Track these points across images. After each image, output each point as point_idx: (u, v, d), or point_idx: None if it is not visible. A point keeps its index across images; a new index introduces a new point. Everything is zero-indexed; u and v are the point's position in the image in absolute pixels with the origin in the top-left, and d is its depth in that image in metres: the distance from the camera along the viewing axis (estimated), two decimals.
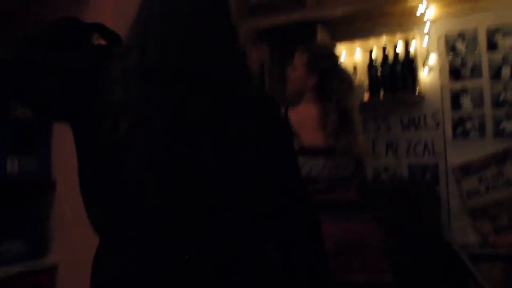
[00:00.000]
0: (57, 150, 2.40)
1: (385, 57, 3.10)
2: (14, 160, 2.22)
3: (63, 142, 2.38)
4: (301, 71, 2.17)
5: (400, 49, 3.09)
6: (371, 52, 3.17)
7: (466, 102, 3.01)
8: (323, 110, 2.05)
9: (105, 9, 2.28)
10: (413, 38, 3.03)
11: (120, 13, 2.28)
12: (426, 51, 3.07)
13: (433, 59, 3.08)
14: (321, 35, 3.16)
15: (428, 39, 3.05)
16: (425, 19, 3.01)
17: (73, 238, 2.21)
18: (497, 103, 2.94)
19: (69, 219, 2.24)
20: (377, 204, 2.75)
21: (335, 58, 2.22)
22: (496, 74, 2.94)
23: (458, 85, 3.04)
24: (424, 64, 3.08)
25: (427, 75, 3.09)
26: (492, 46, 2.96)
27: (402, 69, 3.02)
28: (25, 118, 2.28)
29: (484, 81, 2.97)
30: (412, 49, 3.03)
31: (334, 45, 2.31)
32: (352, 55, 3.31)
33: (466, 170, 2.99)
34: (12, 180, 2.21)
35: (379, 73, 3.10)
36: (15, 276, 2.15)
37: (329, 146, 2.00)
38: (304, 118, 2.05)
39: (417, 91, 2.98)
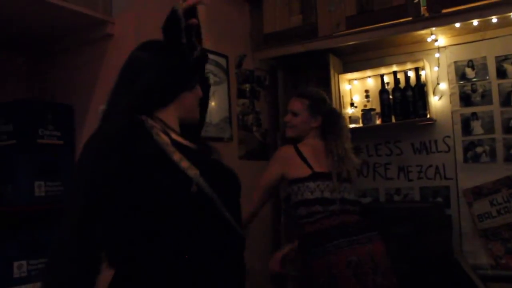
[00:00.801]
0: None
1: (396, 82, 3.20)
2: (40, 184, 2.38)
3: None
4: (305, 116, 2.38)
5: (411, 75, 3.17)
6: (382, 77, 3.26)
7: (477, 127, 3.08)
8: (329, 144, 2.31)
9: (127, 43, 2.44)
10: (424, 66, 3.11)
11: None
12: (436, 77, 3.16)
13: (443, 85, 3.17)
14: (333, 64, 3.28)
15: (438, 66, 3.14)
16: (435, 46, 3.11)
17: None
18: (507, 129, 3.00)
19: None
20: (389, 225, 2.81)
21: (329, 101, 2.52)
22: (506, 100, 3.01)
23: (468, 111, 3.11)
24: (434, 90, 3.16)
25: (438, 101, 3.18)
26: (501, 73, 3.03)
27: (413, 95, 3.11)
28: (50, 144, 2.44)
29: (495, 107, 3.04)
30: (423, 76, 3.11)
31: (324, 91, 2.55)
32: (364, 82, 3.42)
33: (477, 193, 3.04)
34: (39, 203, 2.36)
35: (390, 98, 3.19)
36: None
37: (337, 172, 2.25)
38: (315, 151, 2.32)
39: (428, 115, 3.06)
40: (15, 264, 2.26)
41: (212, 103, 2.84)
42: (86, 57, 2.57)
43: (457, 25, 2.85)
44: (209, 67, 2.83)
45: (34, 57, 2.76)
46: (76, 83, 2.61)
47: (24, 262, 2.31)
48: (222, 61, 2.94)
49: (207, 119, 2.75)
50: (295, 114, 2.39)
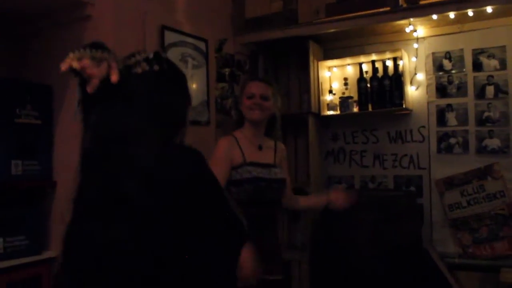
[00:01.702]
0: (58, 153, 2.59)
1: (374, 71, 3.24)
2: (17, 163, 2.42)
3: (64, 145, 2.57)
4: (272, 103, 2.41)
5: (389, 65, 3.22)
6: (361, 66, 3.30)
7: (451, 118, 3.14)
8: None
9: (105, 24, 2.45)
10: (402, 56, 3.15)
11: (120, 27, 2.47)
12: (414, 68, 3.20)
13: (420, 76, 3.21)
14: (313, 51, 3.31)
15: (417, 57, 3.19)
16: (413, 37, 3.15)
17: None
18: (480, 121, 3.06)
19: (68, 217, 2.42)
20: (361, 212, 2.88)
21: None
22: (480, 93, 3.06)
23: (444, 102, 3.16)
24: (412, 81, 3.21)
25: (415, 91, 3.23)
26: (477, 66, 3.07)
27: (390, 84, 3.15)
28: (28, 123, 2.47)
29: (469, 99, 3.09)
30: (400, 66, 3.15)
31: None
32: (343, 69, 3.45)
33: (449, 183, 3.12)
34: (15, 181, 2.40)
35: (368, 87, 3.23)
36: (17, 267, 2.36)
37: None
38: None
39: (404, 105, 3.11)
40: None
41: (190, 86, 2.87)
42: (65, 38, 2.57)
43: (434, 16, 2.88)
44: (187, 50, 2.86)
45: (14, 37, 2.77)
46: (55, 63, 2.61)
47: (0, 239, 2.36)
48: (201, 44, 2.96)
49: None
50: (265, 99, 2.36)
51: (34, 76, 2.67)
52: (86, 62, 1.24)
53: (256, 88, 2.37)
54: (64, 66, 1.27)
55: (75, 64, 1.25)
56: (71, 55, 1.26)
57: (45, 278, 2.47)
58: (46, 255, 2.51)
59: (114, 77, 1.24)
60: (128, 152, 1.21)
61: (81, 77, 1.27)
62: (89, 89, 1.24)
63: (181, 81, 1.48)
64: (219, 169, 2.10)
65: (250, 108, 2.35)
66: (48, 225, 2.60)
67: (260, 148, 2.37)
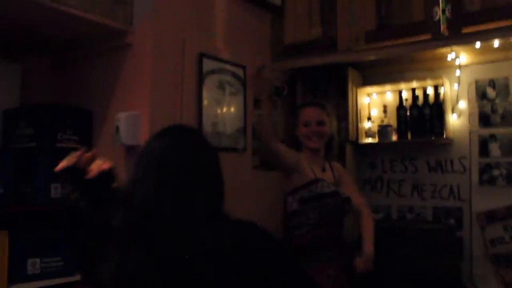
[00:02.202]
0: None
1: (414, 99, 3.17)
2: (57, 186, 2.48)
3: None
4: (328, 128, 2.49)
5: (429, 92, 3.14)
6: (400, 93, 3.24)
7: (495, 149, 3.03)
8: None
9: (145, 52, 2.51)
10: (443, 83, 3.07)
11: (159, 55, 2.51)
12: (456, 96, 3.12)
13: (462, 104, 3.12)
14: (352, 78, 3.27)
15: (459, 84, 3.10)
16: (456, 64, 3.07)
17: None
18: None
19: None
20: (399, 245, 2.81)
21: None
22: None
23: (487, 132, 3.06)
24: (453, 109, 3.12)
25: (456, 119, 3.14)
26: None
27: (431, 112, 3.08)
28: (68, 148, 2.53)
29: None
30: (442, 94, 3.08)
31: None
32: (382, 96, 3.40)
33: (491, 217, 3.00)
34: (55, 204, 2.46)
35: (408, 115, 3.17)
36: (53, 287, 2.40)
37: None
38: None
39: (445, 134, 3.03)
40: (29, 261, 2.38)
41: (226, 113, 2.88)
42: (106, 65, 2.65)
43: (478, 45, 2.80)
44: (225, 77, 2.88)
45: (56, 63, 2.87)
46: (95, 89, 2.70)
47: (37, 260, 2.42)
48: (239, 71, 2.97)
49: (221, 130, 2.81)
50: (322, 124, 2.39)
51: (75, 101, 2.75)
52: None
53: (311, 114, 2.42)
54: (59, 166, 1.38)
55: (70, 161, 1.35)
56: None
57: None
58: (80, 277, 2.56)
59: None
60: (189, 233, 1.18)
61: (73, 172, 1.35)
62: (89, 175, 1.32)
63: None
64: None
65: (308, 137, 2.40)
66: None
67: (324, 170, 2.37)
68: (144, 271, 1.15)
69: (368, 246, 2.39)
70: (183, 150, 1.30)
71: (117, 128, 2.39)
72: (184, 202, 1.21)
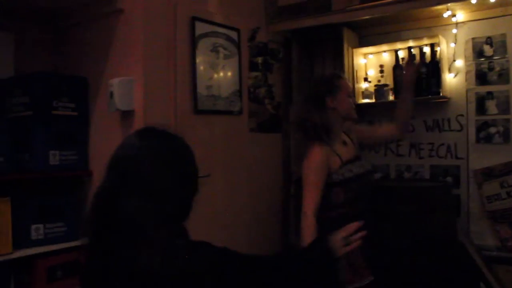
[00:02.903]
0: (94, 143, 2.68)
1: (411, 58, 3.14)
2: (55, 153, 2.52)
3: (99, 135, 2.65)
4: None
5: (426, 51, 3.12)
6: (397, 52, 3.22)
7: (491, 106, 3.02)
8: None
9: (136, 18, 2.49)
10: (440, 42, 3.04)
11: (150, 20, 2.50)
12: (452, 54, 3.09)
13: (459, 62, 3.10)
14: (348, 38, 3.25)
15: (455, 42, 3.07)
16: (452, 22, 3.03)
17: None
18: None
19: None
20: (396, 203, 2.85)
21: None
22: None
23: (484, 90, 3.04)
24: (450, 67, 3.10)
25: (453, 78, 3.12)
26: None
27: (428, 71, 3.06)
28: (65, 115, 2.57)
29: (511, 87, 2.96)
30: (438, 52, 3.05)
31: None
32: (379, 56, 3.37)
33: (487, 174, 3.01)
34: (53, 171, 2.51)
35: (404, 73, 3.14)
36: (57, 252, 2.49)
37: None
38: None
39: (442, 93, 3.01)
40: (33, 227, 2.44)
41: (221, 76, 2.88)
42: (98, 31, 2.65)
43: (474, 0, 2.76)
44: (219, 41, 2.86)
45: (50, 31, 2.86)
46: (89, 56, 2.70)
47: (41, 226, 2.48)
48: (233, 34, 2.95)
49: (216, 93, 2.82)
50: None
51: (70, 68, 2.76)
52: None
53: (349, 85, 2.42)
54: None
55: None
56: None
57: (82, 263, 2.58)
58: (83, 241, 2.61)
59: None
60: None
61: None
62: None
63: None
64: (317, 177, 2.21)
65: (353, 108, 2.39)
66: (85, 213, 2.70)
67: (344, 143, 2.39)
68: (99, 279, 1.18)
69: None
70: (163, 158, 1.23)
71: (111, 94, 2.41)
72: (159, 218, 1.17)
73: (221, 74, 2.88)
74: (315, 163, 2.23)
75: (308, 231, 2.14)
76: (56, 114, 2.54)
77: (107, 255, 1.16)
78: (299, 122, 2.43)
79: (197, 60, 2.71)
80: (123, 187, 1.17)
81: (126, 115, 2.49)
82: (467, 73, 3.09)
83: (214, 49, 2.83)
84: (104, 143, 2.64)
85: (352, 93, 2.40)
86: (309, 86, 2.54)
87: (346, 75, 3.22)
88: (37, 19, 2.78)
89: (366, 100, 3.31)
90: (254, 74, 3.18)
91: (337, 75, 2.46)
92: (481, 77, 3.05)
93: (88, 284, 1.25)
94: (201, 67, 2.74)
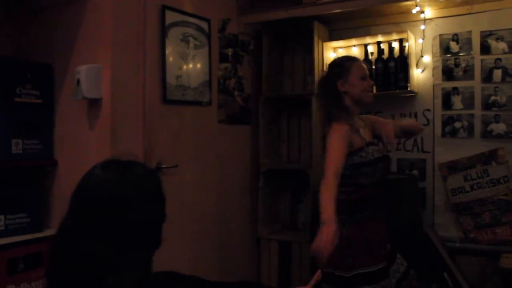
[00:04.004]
0: (59, 132, 2.61)
1: (380, 53, 3.19)
2: (18, 142, 2.45)
3: (65, 124, 2.59)
4: None
5: (395, 46, 3.16)
6: (366, 47, 3.25)
7: (457, 102, 3.08)
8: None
9: (105, 4, 2.44)
10: (408, 37, 3.09)
11: (119, 7, 2.45)
12: (420, 50, 3.14)
13: (427, 58, 3.15)
14: (318, 32, 3.26)
15: (423, 38, 3.12)
16: (421, 18, 3.08)
17: None
18: (486, 105, 3.00)
19: (68, 194, 2.44)
20: None
21: None
22: (487, 76, 2.99)
23: (450, 85, 3.10)
24: (417, 63, 3.15)
25: (421, 73, 3.17)
26: (485, 49, 3.00)
27: (396, 66, 3.10)
28: (28, 102, 2.49)
29: (476, 83, 3.03)
30: (406, 48, 3.10)
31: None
32: (348, 51, 3.40)
33: (452, 167, 3.08)
34: (16, 160, 2.44)
35: (373, 68, 3.19)
36: (18, 244, 2.41)
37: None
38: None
39: (409, 88, 3.06)
40: None
41: (191, 66, 2.85)
42: (65, 17, 2.58)
43: None
44: (189, 30, 2.83)
45: (15, 15, 2.77)
46: (55, 42, 2.63)
47: (1, 217, 2.40)
48: (204, 24, 2.93)
49: (185, 83, 2.78)
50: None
51: (35, 55, 2.67)
52: None
53: (364, 67, 2.30)
54: None
55: None
56: None
57: (46, 255, 2.52)
58: (47, 232, 2.56)
59: None
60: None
61: None
62: None
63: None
64: (340, 145, 2.08)
65: (367, 90, 2.28)
66: (49, 203, 2.64)
67: (364, 126, 2.33)
68: None
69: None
70: (128, 191, 1.16)
71: (78, 81, 2.35)
72: (123, 259, 1.12)
73: (191, 64, 2.85)
74: (338, 134, 2.12)
75: (327, 193, 1.96)
76: (19, 101, 2.46)
77: None
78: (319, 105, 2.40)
79: (167, 50, 2.67)
80: (85, 226, 1.11)
81: (93, 103, 2.43)
82: (434, 68, 3.14)
83: (184, 39, 2.80)
84: (70, 132, 2.57)
85: (366, 75, 2.27)
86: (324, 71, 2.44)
87: (316, 68, 3.26)
88: (1, 2, 2.68)
89: None
90: (224, 65, 3.16)
91: (348, 57, 2.38)
92: (447, 73, 3.11)
93: None
94: (171, 57, 2.70)
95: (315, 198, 3.19)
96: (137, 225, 1.14)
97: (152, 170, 1.30)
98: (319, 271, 1.80)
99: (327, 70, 2.39)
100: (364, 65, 2.33)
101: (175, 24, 2.73)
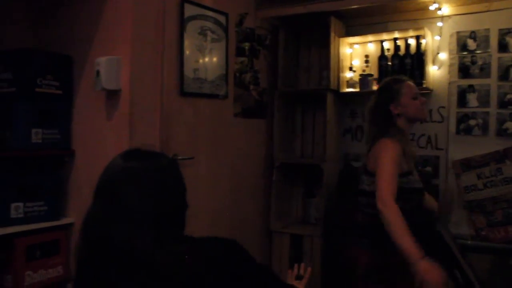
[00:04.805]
0: (77, 122, 2.65)
1: (396, 49, 3.19)
2: (38, 131, 2.49)
3: (83, 115, 2.62)
4: None
5: (411, 43, 3.16)
6: (382, 43, 3.25)
7: (472, 99, 3.08)
8: None
9: (123, 20, 2.46)
10: (425, 34, 3.08)
11: (139, 1, 2.47)
12: (437, 47, 3.14)
13: (443, 55, 3.15)
14: (335, 27, 3.26)
15: (440, 35, 3.12)
16: (438, 15, 3.07)
17: (88, 200, 2.50)
18: (502, 103, 3.00)
19: (85, 184, 2.48)
20: None
21: None
22: (504, 74, 2.99)
23: (466, 83, 3.10)
24: (434, 60, 3.15)
25: (437, 70, 3.17)
26: (503, 46, 2.99)
27: (412, 63, 3.10)
28: (49, 93, 2.53)
29: (492, 81, 3.03)
30: (423, 44, 3.09)
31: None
32: (364, 47, 3.40)
33: (466, 165, 3.08)
34: (36, 149, 2.48)
35: (389, 65, 3.19)
36: (36, 231, 2.47)
37: None
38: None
39: (425, 84, 3.06)
40: (12, 205, 2.41)
41: (208, 60, 2.88)
42: (86, 9, 2.60)
43: None
44: (207, 24, 2.85)
45: (37, 7, 2.80)
46: (76, 34, 2.66)
47: (21, 204, 2.45)
48: (221, 18, 2.94)
49: (202, 76, 2.81)
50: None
51: (56, 47, 2.71)
52: None
53: (414, 86, 2.29)
54: None
55: None
56: None
57: (62, 243, 2.58)
58: (64, 221, 2.61)
59: None
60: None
61: None
62: None
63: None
64: (394, 168, 2.05)
65: (422, 108, 2.28)
66: (66, 193, 2.69)
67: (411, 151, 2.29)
68: None
69: None
70: (151, 179, 1.20)
71: (98, 72, 2.38)
72: (156, 239, 1.14)
73: (208, 57, 2.87)
74: (394, 153, 2.08)
75: (399, 220, 1.94)
76: (39, 92, 2.50)
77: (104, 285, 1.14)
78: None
79: (185, 42, 2.69)
80: (112, 214, 1.14)
81: (112, 95, 2.46)
82: (450, 66, 3.14)
83: (202, 32, 2.82)
84: (88, 123, 2.61)
85: (417, 93, 2.26)
86: (373, 97, 2.35)
87: (332, 64, 3.27)
88: None
89: (351, 89, 3.35)
90: (240, 59, 3.18)
91: (396, 79, 2.36)
92: (463, 70, 3.11)
93: None
94: (188, 50, 2.73)
95: (328, 193, 3.25)
96: (162, 213, 1.17)
97: (173, 160, 1.32)
98: (310, 269, 1.79)
99: (376, 96, 2.35)
100: (413, 84, 2.32)
101: (194, 17, 2.75)
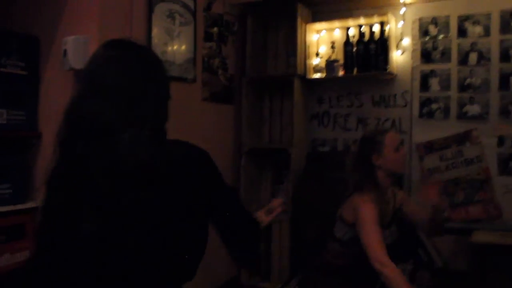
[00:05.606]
0: (44, 104, 2.61)
1: (361, 35, 3.26)
2: (2, 112, 2.44)
3: (50, 97, 2.58)
4: None
5: (375, 29, 3.24)
6: (348, 30, 3.32)
7: (434, 84, 3.19)
8: None
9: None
10: (389, 20, 3.17)
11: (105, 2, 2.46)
12: (400, 33, 3.23)
13: (406, 41, 3.24)
14: (301, 13, 3.32)
15: (403, 22, 3.21)
16: (401, 2, 3.16)
17: None
18: (462, 87, 3.11)
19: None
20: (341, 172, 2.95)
21: None
22: (463, 59, 3.11)
23: (428, 68, 3.20)
24: (397, 45, 3.24)
25: (400, 56, 3.26)
26: (462, 32, 3.11)
27: (376, 48, 3.19)
28: (13, 73, 2.49)
29: (452, 65, 3.14)
30: (387, 31, 3.18)
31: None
32: (330, 33, 3.47)
33: (429, 147, 3.18)
34: (0, 131, 2.43)
35: (354, 50, 3.26)
36: (1, 214, 2.40)
37: None
38: None
39: (389, 70, 3.15)
40: None
41: (176, 43, 2.89)
42: None
43: None
44: (175, 7, 2.86)
45: None
46: (42, 14, 2.62)
47: None
48: (189, 2, 2.96)
49: (170, 59, 2.81)
50: None
51: (21, 27, 2.66)
52: None
53: (397, 137, 2.33)
54: None
55: None
56: None
57: (28, 227, 2.52)
58: (30, 204, 2.55)
59: None
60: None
61: None
62: None
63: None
64: (378, 229, 2.11)
65: (402, 162, 2.32)
66: (32, 175, 2.64)
67: (387, 203, 2.32)
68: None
69: None
70: (131, 63, 1.21)
71: (65, 52, 2.35)
72: (130, 116, 1.15)
73: (176, 40, 2.88)
74: (374, 217, 2.13)
75: (400, 277, 2.00)
76: (4, 72, 2.45)
77: (79, 157, 1.15)
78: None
79: (153, 24, 2.70)
80: (90, 92, 1.17)
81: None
82: (413, 51, 3.24)
83: (170, 15, 2.83)
84: (55, 104, 2.56)
85: (400, 145, 2.29)
86: (357, 145, 2.43)
87: (298, 50, 3.32)
88: None
89: (317, 75, 3.41)
90: (209, 44, 3.20)
91: (381, 130, 2.42)
92: (425, 55, 3.21)
93: (55, 188, 1.23)
94: (157, 32, 2.73)
95: (296, 177, 3.30)
96: (145, 98, 1.19)
97: (156, 55, 1.33)
98: (279, 209, 1.84)
99: (359, 145, 2.40)
100: (397, 134, 2.38)
101: (162, 0, 2.75)
